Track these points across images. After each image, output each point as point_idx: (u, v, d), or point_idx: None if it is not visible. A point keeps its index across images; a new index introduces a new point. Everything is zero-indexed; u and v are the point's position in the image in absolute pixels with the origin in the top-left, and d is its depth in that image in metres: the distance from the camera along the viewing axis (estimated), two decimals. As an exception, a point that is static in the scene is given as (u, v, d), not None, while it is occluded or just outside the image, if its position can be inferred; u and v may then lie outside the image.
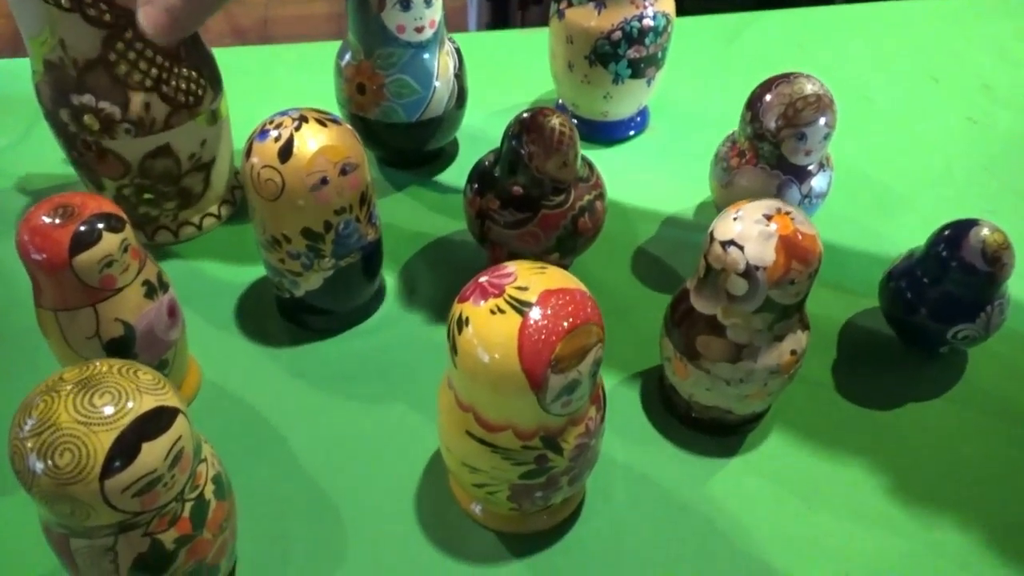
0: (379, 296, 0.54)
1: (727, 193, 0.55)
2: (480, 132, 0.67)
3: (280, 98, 0.72)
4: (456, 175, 0.64)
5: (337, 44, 0.61)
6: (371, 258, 0.49)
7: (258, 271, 0.55)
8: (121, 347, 0.40)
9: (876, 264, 0.54)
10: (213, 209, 0.58)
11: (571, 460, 0.37)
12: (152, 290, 0.41)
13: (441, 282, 0.55)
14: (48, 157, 0.63)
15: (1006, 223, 0.47)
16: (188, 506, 0.32)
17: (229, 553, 0.37)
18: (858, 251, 0.58)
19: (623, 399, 0.48)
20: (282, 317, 0.52)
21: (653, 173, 0.65)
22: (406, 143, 0.61)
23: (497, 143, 0.53)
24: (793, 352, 0.42)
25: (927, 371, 0.50)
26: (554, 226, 0.50)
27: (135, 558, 0.31)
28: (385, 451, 0.45)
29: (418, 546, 0.41)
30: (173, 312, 0.43)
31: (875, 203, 0.63)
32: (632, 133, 0.69)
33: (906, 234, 0.58)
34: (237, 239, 0.58)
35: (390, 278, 0.55)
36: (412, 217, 0.61)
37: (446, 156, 0.66)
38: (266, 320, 0.52)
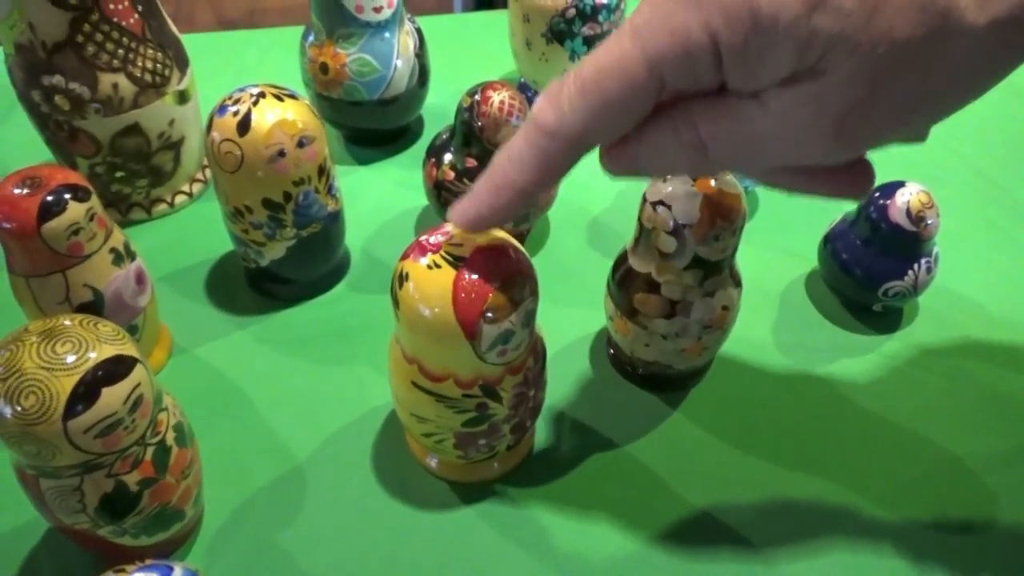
0: (343, 267, 0.56)
1: (675, 163, 0.58)
2: (443, 110, 0.70)
3: (250, 80, 0.74)
4: (419, 152, 0.66)
5: (294, 30, 0.63)
6: (332, 228, 0.52)
7: (228, 245, 0.57)
8: (90, 312, 0.42)
9: (818, 229, 0.57)
10: (184, 187, 0.60)
11: (511, 408, 0.40)
12: (119, 257, 0.43)
13: (400, 252, 0.58)
14: (26, 140, 0.65)
15: (950, 189, 0.50)
16: (150, 450, 0.35)
17: (194, 500, 0.39)
18: (801, 217, 0.61)
19: (573, 357, 0.51)
20: (250, 288, 0.55)
21: (611, 147, 0.67)
22: (370, 121, 0.64)
23: (461, 122, 0.55)
24: (725, 307, 0.44)
25: (862, 328, 0.53)
26: (506, 195, 0.52)
27: (101, 497, 0.34)
28: (345, 409, 0.48)
29: (373, 494, 0.44)
30: (141, 279, 0.45)
31: (823, 172, 0.65)
32: (592, 109, 0.71)
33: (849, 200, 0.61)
34: (208, 215, 0.60)
35: (355, 250, 0.58)
36: (376, 192, 0.63)
37: (410, 134, 0.69)
38: (235, 291, 0.55)
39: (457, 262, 0.36)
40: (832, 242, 0.53)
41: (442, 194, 0.53)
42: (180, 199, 0.60)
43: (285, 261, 0.51)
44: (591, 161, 0.65)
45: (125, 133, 0.53)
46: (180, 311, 0.53)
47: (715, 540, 0.42)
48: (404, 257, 0.37)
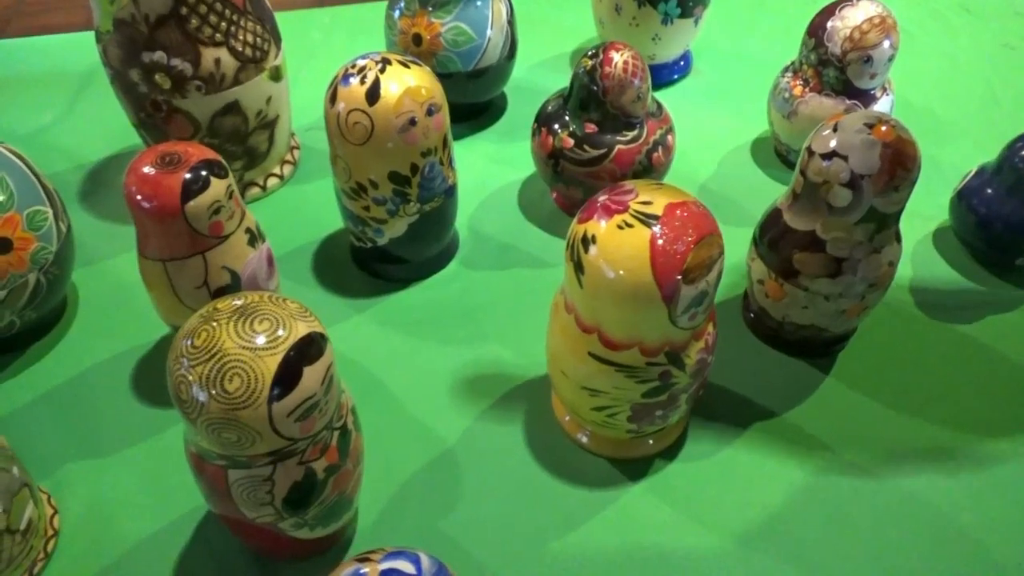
0: (453, 245, 0.54)
1: (791, 123, 0.55)
2: (526, 84, 0.67)
3: (323, 60, 0.71)
4: (508, 126, 0.64)
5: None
6: (449, 203, 0.49)
7: (325, 228, 0.55)
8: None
9: (937, 187, 0.55)
10: (276, 169, 0.57)
11: (692, 376, 0.37)
12: (254, 238, 0.41)
13: (508, 227, 0.56)
14: (94, 130, 0.62)
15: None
16: (336, 435, 0.33)
17: (360, 487, 0.37)
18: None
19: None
20: (359, 268, 0.52)
21: (704, 114, 0.65)
22: (459, 95, 0.61)
23: (544, 94, 0.53)
24: (891, 263, 0.42)
25: (1002, 284, 0.51)
26: (630, 161, 0.50)
27: (290, 487, 0.31)
28: (483, 390, 0.45)
29: (533, 475, 0.41)
30: (271, 261, 0.43)
31: (926, 130, 0.63)
32: (676, 77, 0.69)
33: (962, 157, 0.59)
34: (300, 198, 0.58)
35: (460, 228, 0.55)
36: (470, 168, 0.60)
37: (495, 109, 0.66)
38: (343, 274, 0.52)
39: (650, 220, 0.33)
40: (967, 198, 0.51)
41: (560, 163, 0.51)
42: (272, 182, 0.57)
43: (404, 239, 0.48)
44: (691, 131, 0.63)
45: (224, 112, 0.50)
46: (292, 295, 0.50)
47: (894, 506, 0.40)
48: (583, 220, 0.35)
